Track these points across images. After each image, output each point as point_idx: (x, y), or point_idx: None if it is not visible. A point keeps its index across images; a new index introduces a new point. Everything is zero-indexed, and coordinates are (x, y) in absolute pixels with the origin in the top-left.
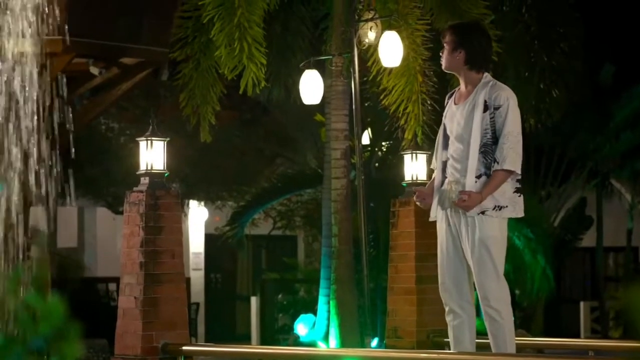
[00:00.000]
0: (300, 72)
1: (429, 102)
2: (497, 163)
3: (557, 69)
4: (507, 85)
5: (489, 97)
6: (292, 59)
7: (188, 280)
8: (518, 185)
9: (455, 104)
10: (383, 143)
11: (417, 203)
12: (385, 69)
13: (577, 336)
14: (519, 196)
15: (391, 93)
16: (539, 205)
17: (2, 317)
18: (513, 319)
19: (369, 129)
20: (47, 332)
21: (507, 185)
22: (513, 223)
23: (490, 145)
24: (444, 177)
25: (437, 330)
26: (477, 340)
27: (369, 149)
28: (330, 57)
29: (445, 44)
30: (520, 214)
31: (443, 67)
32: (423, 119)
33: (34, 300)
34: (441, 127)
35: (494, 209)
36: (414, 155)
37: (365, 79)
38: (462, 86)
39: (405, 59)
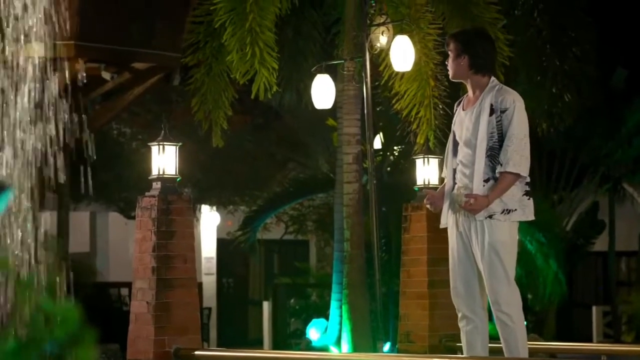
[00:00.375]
0: (312, 77)
1: (440, 106)
2: (501, 165)
3: (569, 73)
4: (520, 90)
5: (495, 100)
6: (303, 63)
7: (200, 285)
8: (527, 189)
9: (463, 110)
10: (395, 147)
11: (428, 206)
12: (397, 73)
13: (590, 340)
14: (529, 199)
15: (403, 97)
16: (552, 210)
17: (16, 322)
18: (525, 323)
19: (381, 134)
20: (62, 337)
21: (516, 188)
22: (525, 227)
23: (497, 149)
24: (454, 183)
25: (449, 335)
26: (489, 345)
27: (381, 153)
28: (342, 61)
29: (449, 52)
30: (530, 217)
31: (450, 77)
32: (435, 124)
33: (49, 306)
34: (450, 135)
35: (502, 212)
36: (425, 159)
37: (377, 83)
38: (470, 92)
39: (417, 64)
